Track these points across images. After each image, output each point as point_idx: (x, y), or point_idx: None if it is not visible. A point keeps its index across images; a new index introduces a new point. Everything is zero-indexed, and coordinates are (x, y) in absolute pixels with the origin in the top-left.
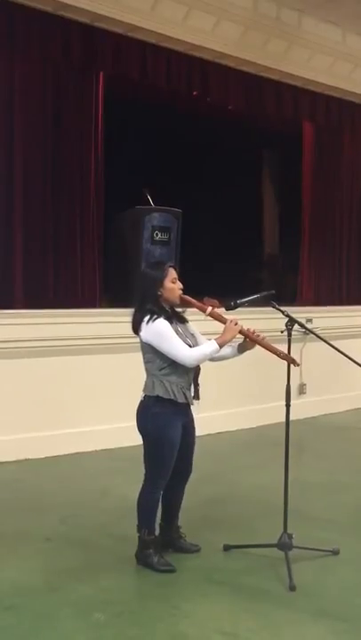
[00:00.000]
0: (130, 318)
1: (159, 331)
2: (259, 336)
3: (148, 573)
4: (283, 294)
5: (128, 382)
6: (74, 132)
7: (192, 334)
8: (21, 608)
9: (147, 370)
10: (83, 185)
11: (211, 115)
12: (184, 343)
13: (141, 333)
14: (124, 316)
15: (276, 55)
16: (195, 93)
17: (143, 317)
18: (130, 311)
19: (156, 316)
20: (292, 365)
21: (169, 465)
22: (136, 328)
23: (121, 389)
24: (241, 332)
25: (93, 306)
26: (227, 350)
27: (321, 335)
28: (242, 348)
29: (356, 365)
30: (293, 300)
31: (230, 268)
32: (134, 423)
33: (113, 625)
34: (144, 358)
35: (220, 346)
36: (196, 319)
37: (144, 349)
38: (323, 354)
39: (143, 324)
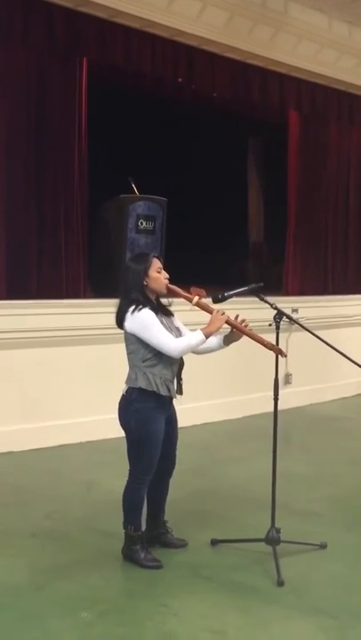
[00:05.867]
0: (115, 309)
1: (144, 320)
2: (246, 326)
3: (135, 570)
4: (268, 284)
5: (113, 373)
6: (57, 118)
7: (177, 328)
8: (5, 607)
9: (130, 361)
10: (66, 173)
11: (196, 102)
12: (169, 334)
13: (126, 323)
14: (109, 306)
15: (261, 42)
16: (180, 80)
17: (128, 308)
18: (114, 302)
19: (141, 306)
20: (279, 356)
21: (154, 460)
22: (120, 320)
23: (106, 381)
24: (228, 322)
25: (78, 296)
26: (213, 342)
27: (306, 325)
28: (228, 340)
29: (341, 355)
30: (279, 290)
31: (215, 258)
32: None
33: (100, 624)
34: (127, 349)
35: (207, 336)
36: (182, 309)
37: (128, 340)
38: (308, 344)
39: (128, 314)
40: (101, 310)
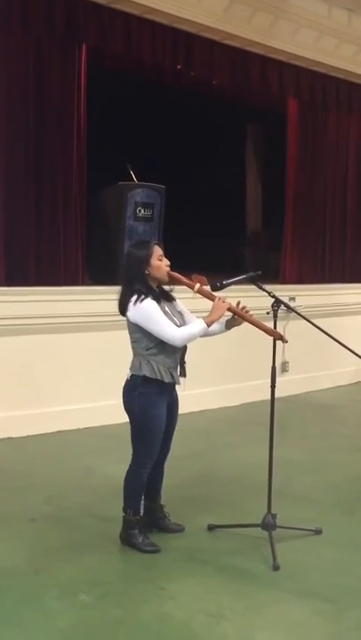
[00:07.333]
0: (114, 296)
1: (147, 311)
2: (247, 312)
3: (133, 554)
4: (265, 272)
5: (111, 360)
6: (56, 105)
7: (179, 312)
8: (5, 590)
9: (133, 349)
10: (65, 160)
11: (195, 89)
12: (172, 323)
13: (128, 313)
14: (107, 293)
15: (261, 29)
16: (179, 67)
17: (130, 298)
18: (113, 289)
19: (143, 297)
20: (277, 343)
21: (156, 444)
22: (123, 309)
23: (104, 367)
24: (229, 309)
25: (76, 283)
26: (214, 327)
27: (304, 313)
28: (229, 325)
29: (338, 344)
30: (276, 278)
31: (213, 245)
32: (118, 401)
33: (98, 606)
34: (131, 338)
35: (209, 325)
36: (184, 297)
37: (131, 329)
38: (305, 332)
39: (130, 305)
40: (99, 297)
